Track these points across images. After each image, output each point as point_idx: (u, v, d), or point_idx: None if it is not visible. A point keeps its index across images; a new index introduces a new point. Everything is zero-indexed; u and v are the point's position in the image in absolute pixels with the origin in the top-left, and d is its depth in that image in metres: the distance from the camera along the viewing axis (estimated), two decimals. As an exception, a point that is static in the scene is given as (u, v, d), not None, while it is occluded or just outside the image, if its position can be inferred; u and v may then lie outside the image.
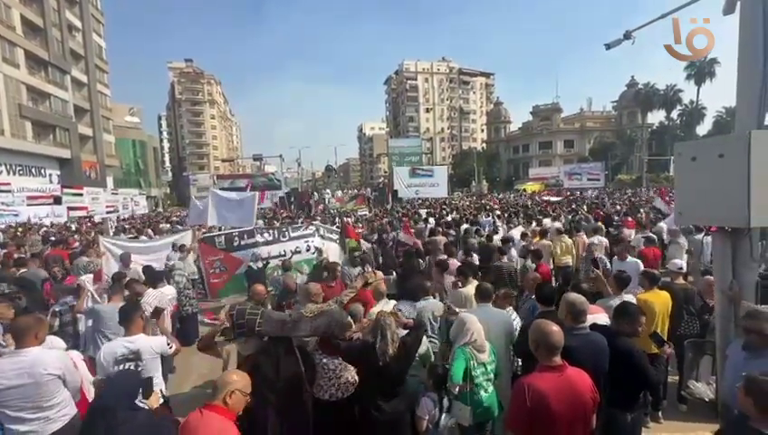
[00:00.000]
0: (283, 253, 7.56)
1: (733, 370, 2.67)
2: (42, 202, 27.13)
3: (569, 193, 31.32)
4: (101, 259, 6.85)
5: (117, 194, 38.85)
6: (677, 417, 4.16)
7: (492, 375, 3.09)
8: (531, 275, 4.93)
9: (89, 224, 21.22)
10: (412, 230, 9.50)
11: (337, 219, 14.63)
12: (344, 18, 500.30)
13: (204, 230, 9.72)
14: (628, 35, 4.26)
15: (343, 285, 5.25)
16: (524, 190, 42.36)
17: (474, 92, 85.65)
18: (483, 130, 79.81)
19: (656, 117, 52.37)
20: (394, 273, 6.95)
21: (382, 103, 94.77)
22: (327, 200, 25.61)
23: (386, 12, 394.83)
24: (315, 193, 30.29)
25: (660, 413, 4.13)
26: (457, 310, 3.85)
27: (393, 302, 4.28)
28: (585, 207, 16.02)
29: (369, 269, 5.49)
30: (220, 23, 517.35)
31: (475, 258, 6.89)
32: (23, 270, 6.42)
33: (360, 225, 13.60)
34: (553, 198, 23.75)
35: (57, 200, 28.31)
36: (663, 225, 9.33)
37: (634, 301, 3.76)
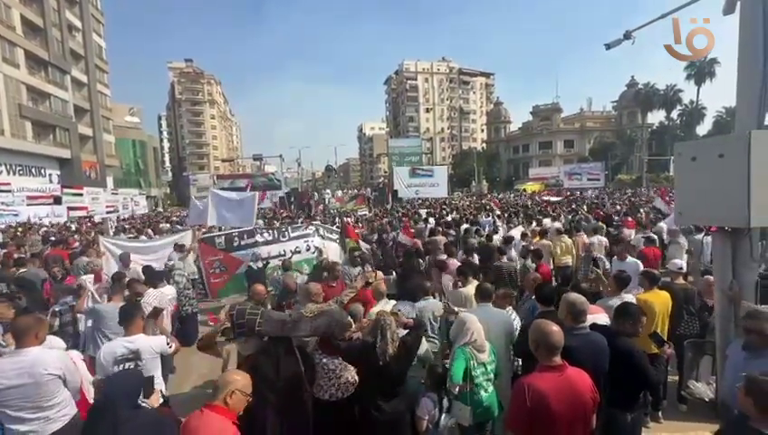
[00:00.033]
0: (282, 253, 7.55)
1: (733, 370, 2.68)
2: (42, 202, 27.14)
3: (569, 193, 31.30)
4: (101, 259, 6.86)
5: (117, 194, 38.84)
6: (677, 417, 4.16)
7: (492, 375, 3.09)
8: (531, 276, 4.93)
9: (89, 224, 21.20)
10: (412, 231, 9.49)
11: (337, 219, 14.62)
12: (344, 18, 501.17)
13: (204, 230, 9.70)
14: (628, 35, 4.27)
15: (344, 284, 5.25)
16: (524, 190, 42.33)
17: (474, 92, 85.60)
18: (483, 130, 79.80)
19: (656, 117, 52.53)
20: (394, 273, 6.95)
21: (382, 103, 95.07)
22: (327, 200, 25.57)
23: (386, 12, 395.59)
24: (315, 193, 30.30)
25: (660, 413, 4.14)
26: (456, 309, 3.85)
27: (393, 302, 4.27)
28: (585, 207, 16.00)
29: (369, 269, 5.49)
30: (220, 23, 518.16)
31: (476, 258, 6.89)
32: (23, 270, 6.43)
33: (360, 225, 13.60)
34: (553, 198, 23.73)
35: (57, 200, 28.32)
36: (663, 225, 9.33)
37: (634, 301, 3.76)
